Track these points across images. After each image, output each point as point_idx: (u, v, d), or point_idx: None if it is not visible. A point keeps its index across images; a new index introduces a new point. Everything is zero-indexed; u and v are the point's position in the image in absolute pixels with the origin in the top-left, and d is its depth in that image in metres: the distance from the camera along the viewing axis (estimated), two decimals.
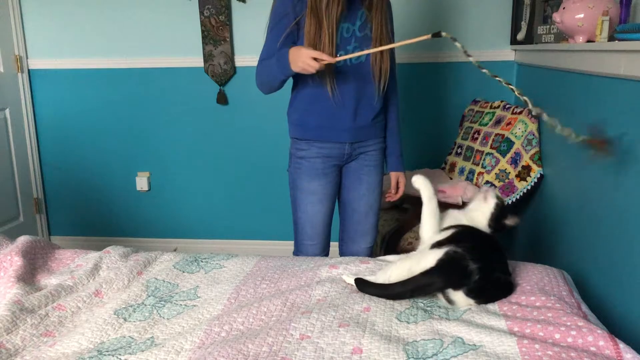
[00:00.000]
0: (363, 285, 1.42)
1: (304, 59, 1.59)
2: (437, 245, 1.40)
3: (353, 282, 1.45)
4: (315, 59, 1.58)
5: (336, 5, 1.69)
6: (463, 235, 1.43)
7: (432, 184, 1.53)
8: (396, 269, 1.41)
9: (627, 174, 1.50)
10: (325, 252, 1.99)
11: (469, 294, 1.33)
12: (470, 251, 1.33)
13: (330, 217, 1.96)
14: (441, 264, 1.33)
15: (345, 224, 2.01)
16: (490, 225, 1.51)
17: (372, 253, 2.03)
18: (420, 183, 1.53)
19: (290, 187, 1.94)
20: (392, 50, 1.84)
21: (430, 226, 1.50)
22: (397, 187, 2.01)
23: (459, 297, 1.33)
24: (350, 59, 1.76)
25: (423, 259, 1.37)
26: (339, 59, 1.62)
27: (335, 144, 1.85)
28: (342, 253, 2.04)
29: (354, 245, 2.00)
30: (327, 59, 1.58)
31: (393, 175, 2.00)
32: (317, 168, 1.86)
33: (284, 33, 1.73)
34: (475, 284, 1.31)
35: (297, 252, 2.00)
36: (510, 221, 1.53)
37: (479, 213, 1.52)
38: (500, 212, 1.51)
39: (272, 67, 1.72)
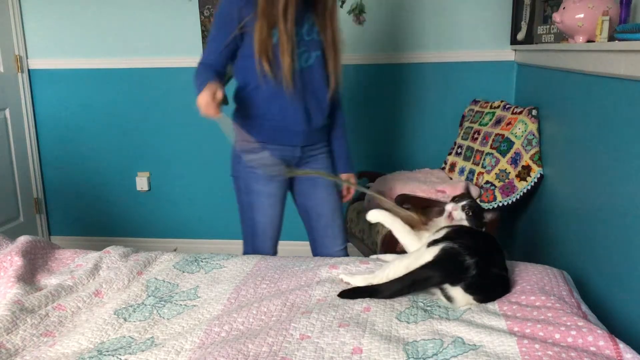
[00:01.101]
0: (355, 294, 1.39)
1: (202, 103, 1.56)
2: (434, 243, 1.41)
3: (351, 282, 1.45)
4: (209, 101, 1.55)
5: (292, 7, 1.66)
6: (458, 233, 1.44)
7: (386, 212, 1.62)
8: (394, 267, 1.41)
9: (627, 174, 1.50)
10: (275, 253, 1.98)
11: (468, 289, 1.33)
12: (466, 247, 1.34)
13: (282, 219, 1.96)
14: (438, 258, 1.35)
15: (313, 230, 2.00)
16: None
17: (347, 254, 2.01)
18: (376, 216, 1.63)
19: (242, 192, 1.89)
20: (339, 54, 1.85)
21: (409, 240, 1.56)
22: (348, 189, 2.04)
23: (457, 292, 1.34)
24: (300, 63, 1.74)
25: (421, 256, 1.38)
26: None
27: (288, 146, 1.85)
28: None
29: (326, 251, 1.98)
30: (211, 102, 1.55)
31: (344, 176, 2.02)
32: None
33: (228, 38, 1.71)
34: (472, 279, 1.32)
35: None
36: (487, 218, 1.55)
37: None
38: (474, 221, 1.53)
39: (197, 80, 1.69)
